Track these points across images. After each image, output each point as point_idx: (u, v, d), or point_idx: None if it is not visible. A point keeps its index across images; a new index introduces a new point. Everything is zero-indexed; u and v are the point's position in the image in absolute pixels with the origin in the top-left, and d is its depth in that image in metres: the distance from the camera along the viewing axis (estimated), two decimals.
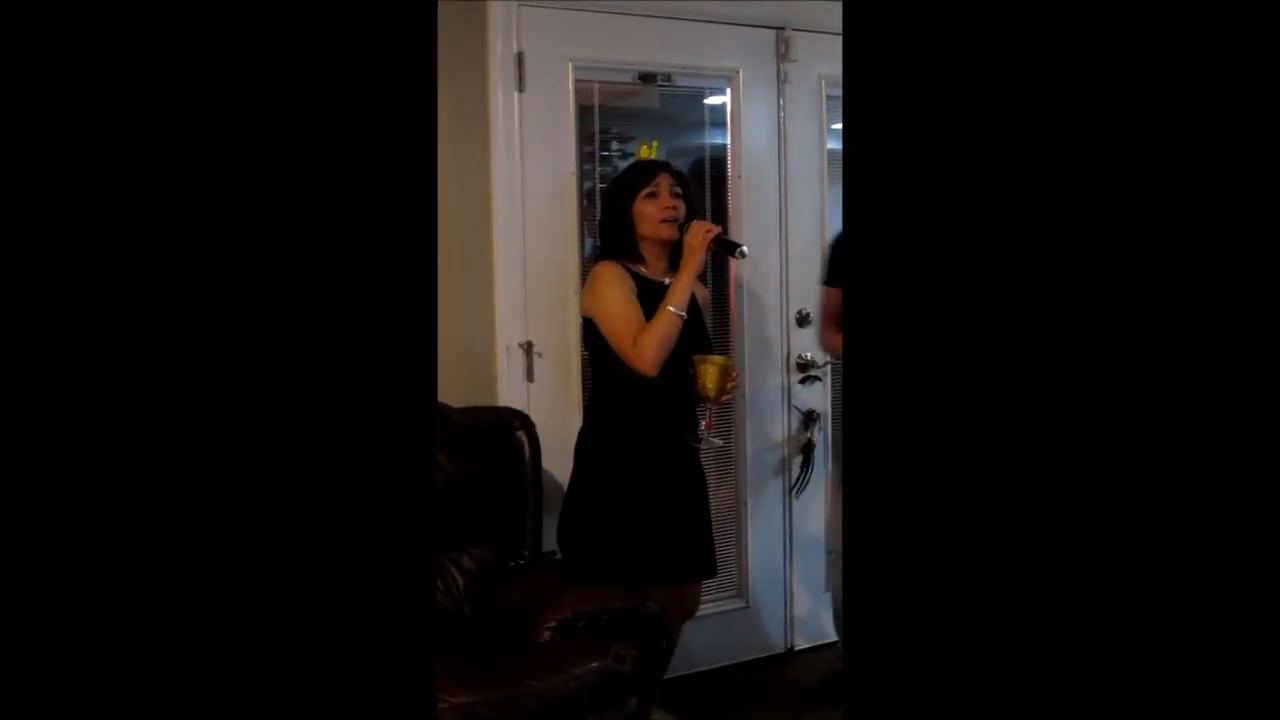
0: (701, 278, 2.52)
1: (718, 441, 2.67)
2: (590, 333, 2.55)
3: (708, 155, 3.35)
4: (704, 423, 2.61)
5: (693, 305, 2.55)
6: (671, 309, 2.41)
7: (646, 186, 2.52)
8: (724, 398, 2.53)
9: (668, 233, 2.51)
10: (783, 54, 3.30)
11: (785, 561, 3.45)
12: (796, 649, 3.49)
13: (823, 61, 3.35)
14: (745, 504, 3.37)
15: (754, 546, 3.39)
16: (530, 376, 2.99)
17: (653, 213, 2.52)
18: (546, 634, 2.33)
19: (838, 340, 2.91)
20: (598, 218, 2.65)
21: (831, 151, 3.42)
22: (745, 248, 2.52)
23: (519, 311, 2.96)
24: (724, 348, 3.29)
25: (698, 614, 2.85)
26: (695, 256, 2.45)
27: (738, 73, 3.26)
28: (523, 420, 2.77)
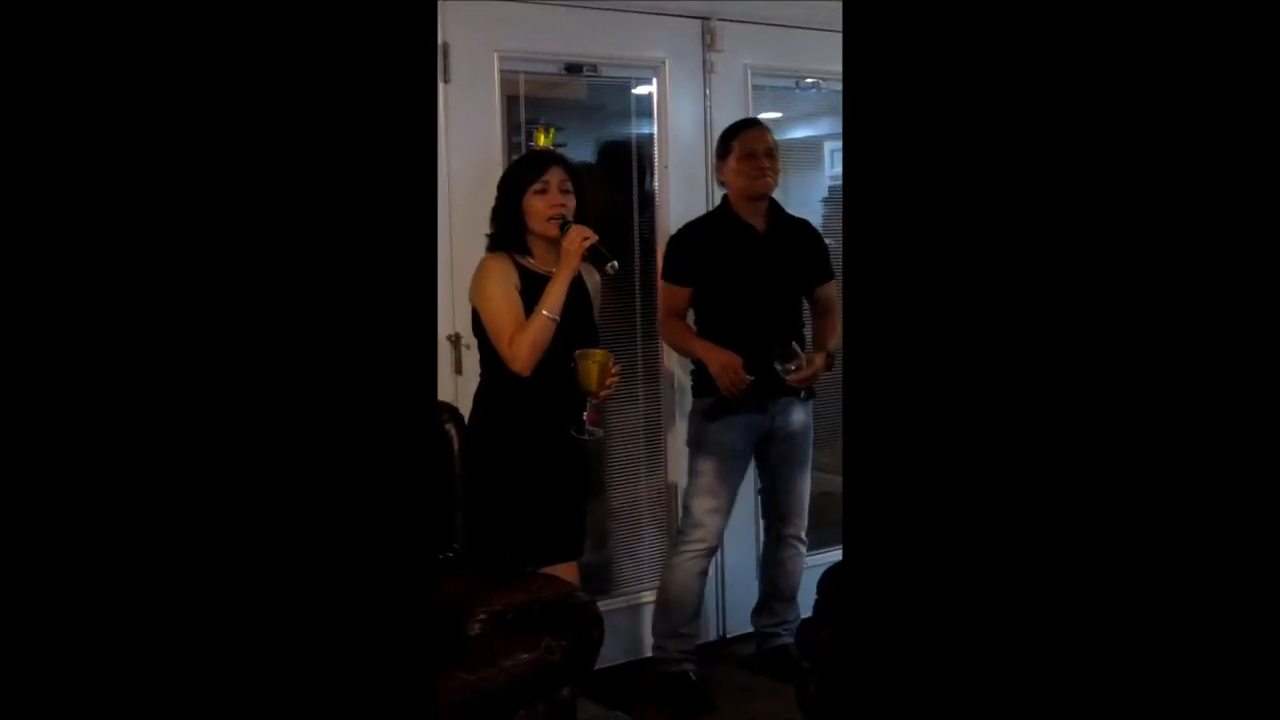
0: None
1: (599, 432, 2.71)
2: (477, 322, 2.61)
3: (634, 145, 3.35)
4: (586, 415, 2.64)
5: (581, 298, 2.61)
6: (546, 314, 2.48)
7: (536, 182, 2.56)
8: (604, 392, 2.57)
9: (554, 230, 2.55)
10: (709, 44, 3.31)
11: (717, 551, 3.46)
12: (728, 636, 3.51)
13: (748, 52, 3.37)
14: (675, 494, 3.38)
15: None
16: (458, 369, 2.97)
17: (540, 209, 2.56)
18: (477, 627, 2.33)
19: (678, 331, 3.02)
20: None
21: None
22: (616, 262, 2.56)
23: (445, 304, 2.94)
24: (650, 337, 3.31)
25: (630, 604, 2.84)
26: (570, 263, 2.50)
27: (664, 63, 3.26)
28: (451, 413, 2.74)
